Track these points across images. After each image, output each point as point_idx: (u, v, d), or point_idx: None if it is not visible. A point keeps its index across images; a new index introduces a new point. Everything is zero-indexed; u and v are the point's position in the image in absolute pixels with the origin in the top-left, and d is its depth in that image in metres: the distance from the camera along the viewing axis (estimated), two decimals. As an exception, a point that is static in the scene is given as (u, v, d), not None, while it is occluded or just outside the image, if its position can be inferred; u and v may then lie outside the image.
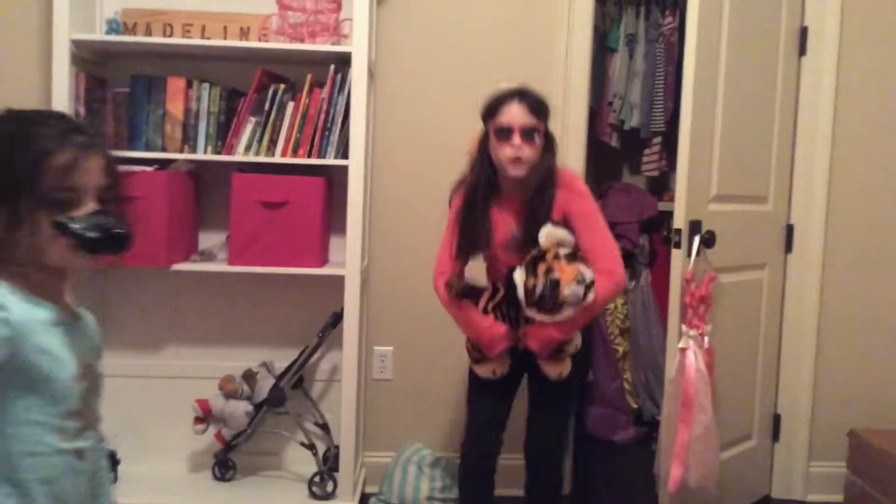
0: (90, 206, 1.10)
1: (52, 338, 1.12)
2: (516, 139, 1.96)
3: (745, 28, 2.51)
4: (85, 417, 1.22)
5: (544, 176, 2.00)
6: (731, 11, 2.44)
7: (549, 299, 1.87)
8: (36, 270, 1.12)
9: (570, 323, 1.97)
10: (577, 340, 2.13)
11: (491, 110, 2.02)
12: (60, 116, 1.17)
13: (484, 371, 2.14)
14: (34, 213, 1.07)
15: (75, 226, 1.08)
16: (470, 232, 2.05)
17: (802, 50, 2.77)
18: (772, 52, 2.66)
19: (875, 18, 2.77)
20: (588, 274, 1.90)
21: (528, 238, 1.97)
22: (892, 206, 2.82)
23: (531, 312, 1.95)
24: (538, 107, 2.00)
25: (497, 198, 2.07)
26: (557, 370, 2.09)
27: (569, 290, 1.86)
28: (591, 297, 1.90)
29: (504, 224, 2.06)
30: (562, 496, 2.27)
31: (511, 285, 1.94)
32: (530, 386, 2.21)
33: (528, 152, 1.97)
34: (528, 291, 1.90)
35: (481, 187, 2.04)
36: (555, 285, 1.85)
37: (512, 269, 1.96)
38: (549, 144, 2.03)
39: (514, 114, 1.98)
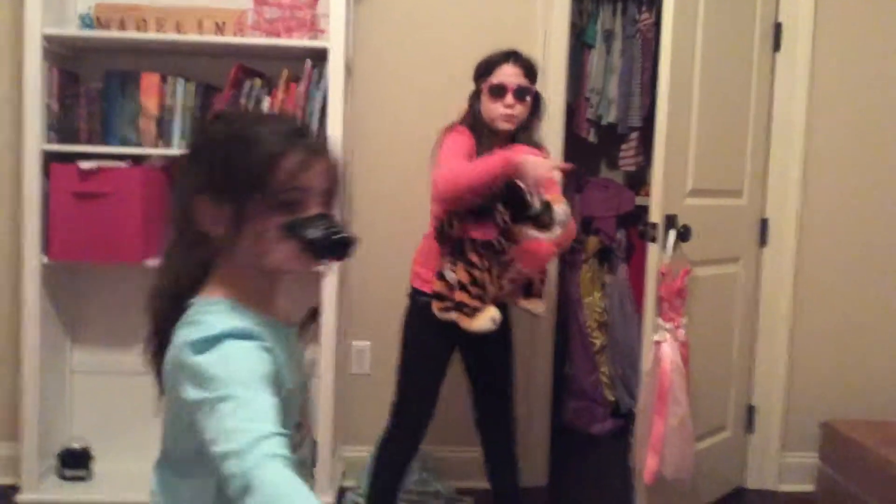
0: (316, 209, 1.05)
1: (280, 350, 1.06)
2: (509, 98, 2.06)
3: (721, 24, 2.54)
4: (304, 427, 1.17)
5: (532, 136, 2.15)
6: (706, 8, 2.46)
7: (546, 216, 1.94)
8: (254, 273, 1.07)
9: (556, 244, 2.06)
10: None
11: (485, 70, 2.11)
12: (284, 118, 1.13)
13: (482, 321, 2.01)
14: (261, 214, 1.02)
15: (303, 229, 1.02)
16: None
17: (777, 46, 2.80)
18: (746, 47, 2.69)
19: (848, 14, 2.80)
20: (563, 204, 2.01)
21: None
22: (866, 201, 2.86)
23: (525, 228, 1.97)
24: (530, 69, 2.11)
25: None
26: (538, 305, 2.16)
27: (560, 208, 1.96)
28: (568, 223, 2.02)
29: None
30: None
31: (515, 194, 1.93)
32: (470, 363, 2.24)
33: (520, 110, 2.07)
34: (529, 205, 1.93)
35: (478, 127, 2.11)
36: (548, 204, 1.94)
37: (512, 185, 1.94)
38: (536, 105, 2.14)
39: (508, 73, 2.07)
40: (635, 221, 3.68)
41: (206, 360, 0.94)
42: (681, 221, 2.45)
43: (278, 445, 0.86)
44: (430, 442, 2.78)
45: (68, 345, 2.70)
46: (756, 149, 2.79)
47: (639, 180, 3.93)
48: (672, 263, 2.41)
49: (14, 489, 2.50)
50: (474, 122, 2.12)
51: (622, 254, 3.67)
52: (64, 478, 2.56)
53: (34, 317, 2.42)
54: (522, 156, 1.91)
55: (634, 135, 3.63)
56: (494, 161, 1.91)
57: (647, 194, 2.85)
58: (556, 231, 1.95)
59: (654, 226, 2.42)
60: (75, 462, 2.56)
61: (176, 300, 1.06)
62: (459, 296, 2.00)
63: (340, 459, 2.76)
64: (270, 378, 0.96)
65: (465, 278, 2.01)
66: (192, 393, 0.93)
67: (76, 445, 2.56)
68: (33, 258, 2.40)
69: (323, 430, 2.50)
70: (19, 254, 2.45)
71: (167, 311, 1.06)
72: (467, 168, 1.96)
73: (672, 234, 2.42)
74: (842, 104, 2.83)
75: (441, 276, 2.05)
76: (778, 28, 2.79)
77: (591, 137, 3.67)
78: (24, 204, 2.39)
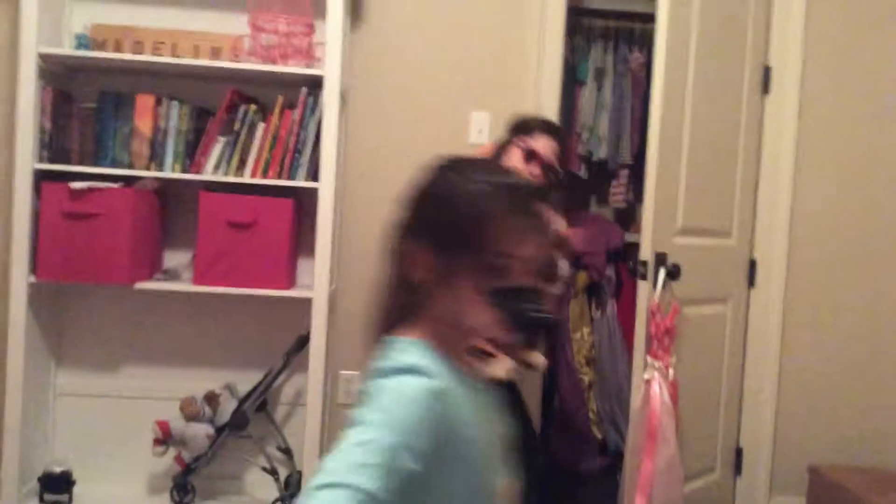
0: (525, 280, 0.99)
1: (464, 399, 1.01)
2: (535, 168, 2.13)
3: (711, 66, 2.57)
4: (510, 490, 1.09)
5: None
6: (697, 49, 2.50)
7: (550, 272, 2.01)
8: (450, 327, 1.02)
9: None
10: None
11: (523, 130, 2.19)
12: (518, 182, 1.05)
13: (497, 368, 2.05)
14: (469, 274, 0.98)
15: (510, 300, 0.98)
16: None
17: (766, 88, 2.84)
18: (736, 89, 2.72)
19: (836, 57, 2.85)
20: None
21: None
22: (852, 244, 2.89)
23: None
24: (562, 149, 2.20)
25: None
26: (538, 357, 2.15)
27: (561, 264, 2.04)
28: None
29: None
30: None
31: None
32: None
33: (538, 178, 2.12)
34: None
35: None
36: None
37: None
38: (555, 182, 2.18)
39: (544, 143, 2.16)
40: (624, 258, 3.68)
41: (375, 385, 0.93)
42: (671, 260, 2.46)
43: (344, 498, 0.80)
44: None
45: (52, 366, 2.66)
46: (745, 190, 2.81)
47: (628, 217, 3.95)
48: (662, 301, 2.42)
49: (-8, 513, 2.44)
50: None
51: (611, 290, 3.66)
52: (44, 502, 2.49)
53: (19, 337, 2.38)
54: None
55: (624, 172, 3.66)
56: None
57: (637, 231, 2.86)
58: (558, 287, 1.98)
59: (644, 263, 2.42)
60: (56, 486, 2.50)
61: (379, 334, 1.05)
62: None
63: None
64: (431, 425, 0.90)
65: None
66: (353, 411, 0.91)
67: (57, 469, 2.51)
68: (21, 277, 2.37)
69: (308, 460, 2.46)
70: (6, 272, 2.41)
71: (372, 344, 1.05)
72: None
73: (662, 273, 2.43)
74: (830, 147, 2.87)
75: None
76: (767, 71, 2.84)
77: (582, 173, 3.70)
78: (13, 222, 2.36)
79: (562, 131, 2.23)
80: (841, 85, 2.86)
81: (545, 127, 2.20)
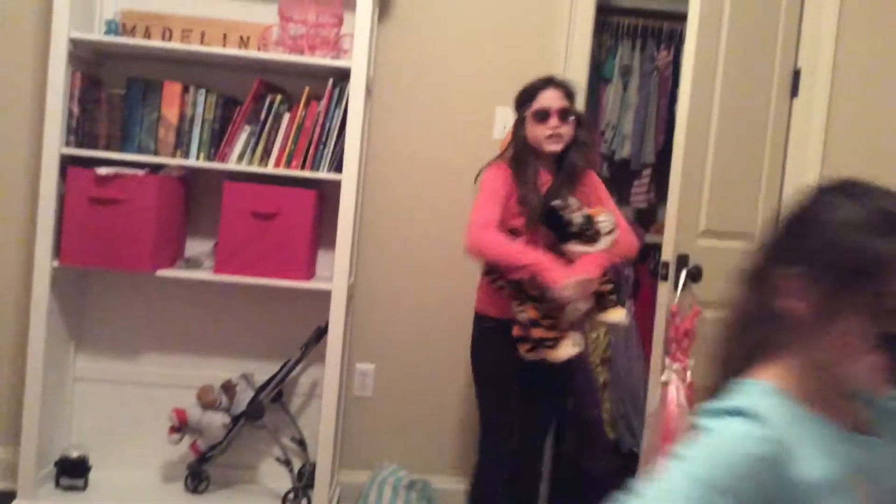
0: None
1: (824, 458, 0.89)
2: (554, 120, 2.14)
3: (740, 67, 2.55)
4: None
5: (578, 146, 2.19)
6: (727, 50, 2.47)
7: (589, 227, 2.04)
8: (818, 372, 0.92)
9: (607, 255, 2.09)
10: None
11: (527, 98, 2.19)
12: None
13: (564, 349, 2.08)
14: (858, 313, 0.88)
15: None
16: (525, 185, 2.15)
17: (794, 91, 2.81)
18: (765, 92, 2.70)
19: (866, 61, 2.81)
20: (606, 214, 2.08)
21: (563, 188, 2.15)
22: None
23: (572, 246, 2.06)
24: (569, 91, 2.20)
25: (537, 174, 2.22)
26: (618, 313, 2.19)
27: (603, 217, 2.05)
28: (617, 232, 2.08)
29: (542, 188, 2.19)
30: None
31: (554, 216, 2.06)
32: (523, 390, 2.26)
33: (566, 130, 2.15)
34: (569, 223, 2.04)
35: (524, 152, 2.19)
36: (589, 217, 2.05)
37: (550, 209, 2.07)
38: (586, 128, 2.24)
39: (550, 97, 2.16)
40: (643, 259, 3.67)
41: (704, 423, 0.87)
42: (693, 261, 2.44)
43: None
44: (430, 471, 2.77)
45: (72, 351, 2.68)
46: (770, 193, 2.78)
47: (649, 218, 3.93)
48: (682, 303, 2.40)
49: (10, 495, 2.46)
50: (520, 149, 2.19)
51: (629, 290, 3.65)
52: (60, 486, 2.52)
53: (41, 320, 2.40)
54: (551, 275, 1.97)
55: (647, 171, 3.64)
56: (523, 261, 2.00)
57: (658, 232, 2.85)
58: (605, 241, 2.03)
59: (665, 264, 2.41)
60: (72, 471, 2.52)
61: (729, 375, 0.97)
62: (536, 332, 2.06)
63: (338, 482, 2.73)
64: (753, 473, 0.83)
65: (534, 314, 2.06)
66: (679, 446, 0.86)
67: (74, 454, 2.53)
68: (44, 261, 2.39)
69: (322, 452, 2.47)
70: (31, 256, 2.43)
71: (717, 381, 0.98)
72: (496, 245, 2.05)
73: (683, 274, 2.41)
74: (857, 151, 2.83)
75: (515, 321, 2.10)
76: (797, 74, 2.81)
77: (604, 172, 3.68)
78: (39, 206, 2.38)
79: (558, 78, 2.24)
80: (870, 88, 2.82)
81: (545, 82, 2.20)
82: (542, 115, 2.15)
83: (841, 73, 2.80)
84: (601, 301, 2.15)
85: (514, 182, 2.15)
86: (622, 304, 3.54)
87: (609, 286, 2.16)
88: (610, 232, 2.05)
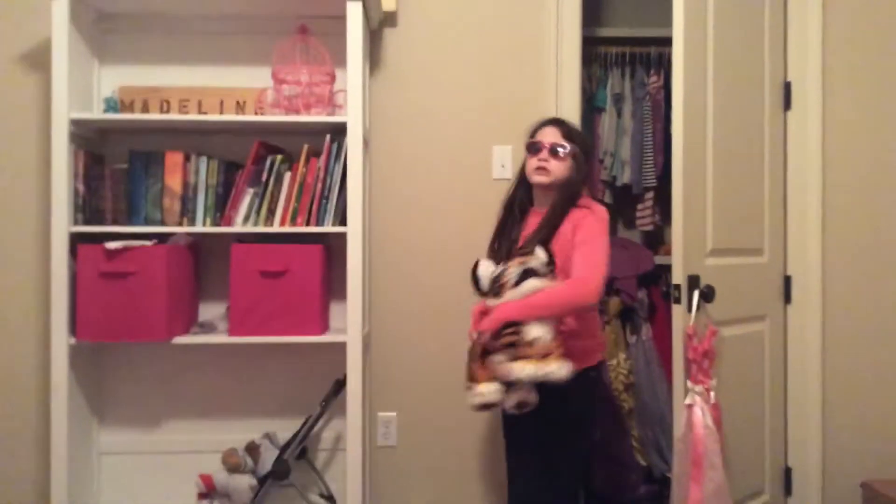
0: None
1: None
2: (543, 153, 2.18)
3: (731, 84, 2.57)
4: None
5: (569, 192, 2.16)
6: (715, 69, 2.50)
7: (497, 281, 2.03)
8: None
9: (519, 305, 1.96)
10: (532, 397, 1.98)
11: (530, 135, 2.26)
12: None
13: (470, 397, 1.98)
14: None
15: None
16: (504, 227, 2.25)
17: (787, 104, 2.83)
18: (757, 107, 2.72)
19: (856, 70, 2.83)
20: (533, 262, 2.00)
21: (539, 233, 2.12)
22: (887, 251, 2.84)
23: (488, 300, 2.06)
24: (569, 131, 2.22)
25: (529, 213, 2.26)
26: (513, 398, 1.97)
27: (512, 270, 2.00)
28: (531, 283, 1.97)
29: (530, 229, 2.21)
30: None
31: (472, 274, 2.10)
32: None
33: (553, 164, 2.17)
34: (476, 281, 2.09)
35: (518, 195, 2.27)
36: (500, 274, 2.03)
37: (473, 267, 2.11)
38: (577, 167, 2.20)
39: (545, 132, 2.22)
40: (655, 280, 3.66)
41: None
42: (703, 281, 2.43)
43: None
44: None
45: (95, 425, 2.69)
46: (773, 206, 2.79)
47: (656, 239, 3.93)
48: (698, 324, 2.39)
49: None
50: (516, 185, 2.29)
51: (644, 313, 3.63)
52: (90, 562, 2.51)
53: (62, 399, 2.41)
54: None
55: (649, 195, 3.65)
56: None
57: (667, 253, 2.85)
58: (509, 294, 1.98)
59: (677, 287, 2.41)
60: (102, 546, 2.51)
61: None
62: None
63: (368, 535, 2.70)
64: None
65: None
66: None
67: (102, 529, 2.52)
68: (61, 339, 2.41)
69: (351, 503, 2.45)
70: (47, 335, 2.46)
71: None
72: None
73: (696, 295, 2.40)
74: (855, 158, 2.84)
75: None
76: (787, 87, 2.83)
77: (607, 198, 3.70)
78: (52, 285, 2.41)
79: (560, 119, 2.29)
80: (863, 95, 2.84)
81: (544, 122, 2.26)
82: (533, 148, 2.21)
83: (832, 82, 2.82)
84: (514, 352, 1.93)
85: (496, 226, 2.26)
86: (639, 327, 3.58)
87: (513, 337, 1.92)
88: (518, 284, 1.97)
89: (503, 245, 2.22)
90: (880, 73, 2.84)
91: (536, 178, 2.19)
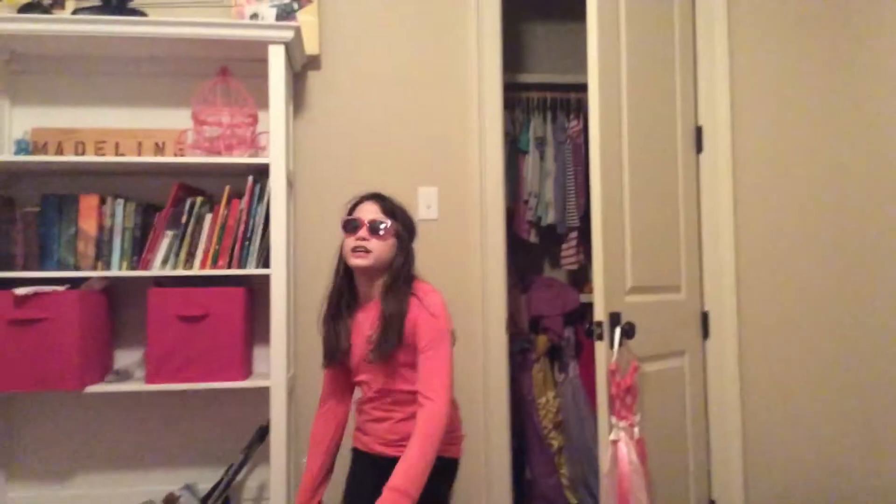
0: None
1: None
2: (363, 231, 1.99)
3: (645, 129, 2.67)
4: None
5: (396, 277, 2.00)
6: (630, 114, 2.59)
7: None
8: None
9: (412, 486, 1.78)
10: None
11: (347, 212, 2.08)
12: None
13: None
14: None
15: None
16: (332, 338, 2.07)
17: (699, 147, 2.95)
18: (671, 150, 2.82)
19: (765, 112, 2.98)
20: None
21: (385, 344, 1.94)
22: (799, 286, 2.96)
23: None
24: (392, 208, 2.05)
25: (357, 307, 2.08)
26: None
27: None
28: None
29: (361, 333, 2.03)
30: None
31: None
32: None
33: (374, 244, 1.98)
34: None
35: (340, 287, 2.07)
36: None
37: None
38: (402, 247, 2.04)
39: (365, 209, 2.04)
40: (581, 318, 3.72)
41: None
42: (624, 318, 2.48)
43: None
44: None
45: (3, 479, 2.54)
46: (689, 245, 2.88)
47: (582, 277, 4.00)
48: (620, 360, 2.43)
49: None
50: (340, 268, 2.08)
51: (571, 351, 3.68)
52: None
53: (-38, 455, 2.28)
54: None
55: (573, 234, 3.73)
56: None
57: (591, 291, 2.89)
58: None
59: (599, 324, 2.45)
60: None
61: None
62: None
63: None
64: None
65: None
66: None
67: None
68: (-38, 391, 2.29)
69: (274, 557, 2.37)
70: (-53, 388, 2.33)
71: None
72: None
73: (617, 332, 2.45)
74: (767, 196, 2.97)
75: None
76: (699, 131, 2.95)
77: (533, 238, 3.76)
78: (-47, 335, 2.29)
79: (381, 195, 2.08)
80: (771, 138, 2.99)
81: (361, 198, 2.08)
82: (350, 226, 2.02)
83: (740, 125, 2.96)
84: None
85: (321, 333, 2.09)
86: (567, 365, 3.62)
87: None
88: None
89: (333, 352, 2.07)
90: (787, 115, 3.00)
91: (355, 261, 1.98)
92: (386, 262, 2.01)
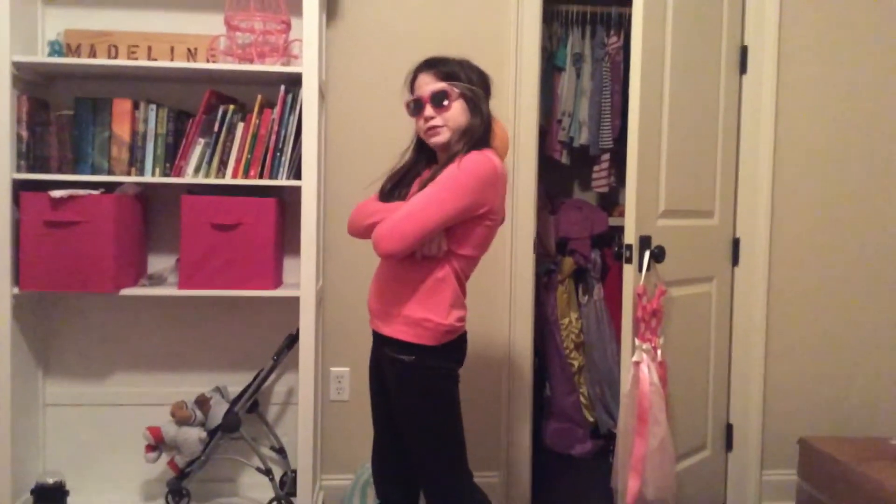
0: None
1: None
2: (428, 109, 1.86)
3: (688, 47, 2.58)
4: None
5: (469, 139, 1.84)
6: (673, 31, 2.51)
7: None
8: None
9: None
10: None
11: (409, 90, 1.94)
12: None
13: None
14: None
15: None
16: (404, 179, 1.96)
17: (743, 68, 2.86)
18: (714, 70, 2.74)
19: (811, 36, 2.87)
20: None
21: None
22: (834, 219, 2.92)
23: None
24: (446, 70, 1.87)
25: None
26: None
27: None
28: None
29: None
30: None
31: None
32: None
33: (447, 116, 1.85)
34: None
35: (407, 168, 1.98)
36: None
37: None
38: (475, 108, 1.86)
39: (422, 83, 1.89)
40: (609, 242, 3.71)
41: None
42: (655, 242, 2.47)
43: None
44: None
45: (40, 377, 2.64)
46: (725, 170, 2.83)
47: (611, 201, 3.97)
48: (647, 284, 2.43)
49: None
50: (414, 149, 2.01)
51: (597, 274, 3.68)
52: (38, 513, 2.49)
53: (5, 349, 2.36)
54: None
55: (606, 156, 3.67)
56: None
57: (621, 215, 2.88)
58: None
59: (629, 247, 2.44)
60: (50, 497, 2.48)
61: None
62: None
63: (321, 488, 2.72)
64: None
65: None
66: None
67: (50, 480, 2.49)
68: (4, 289, 2.35)
69: (302, 459, 2.46)
70: (-12, 285, 2.40)
71: None
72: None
73: (647, 255, 2.44)
74: (808, 124, 2.89)
75: None
76: (744, 51, 2.85)
77: (564, 159, 3.71)
78: (-7, 234, 2.34)
79: (434, 59, 1.91)
80: (816, 62, 2.88)
81: (415, 69, 1.92)
82: (415, 108, 1.89)
83: (787, 48, 2.85)
84: None
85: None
86: (592, 288, 3.63)
87: None
88: None
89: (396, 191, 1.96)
90: (836, 39, 2.88)
91: (433, 140, 1.88)
92: (463, 127, 1.85)
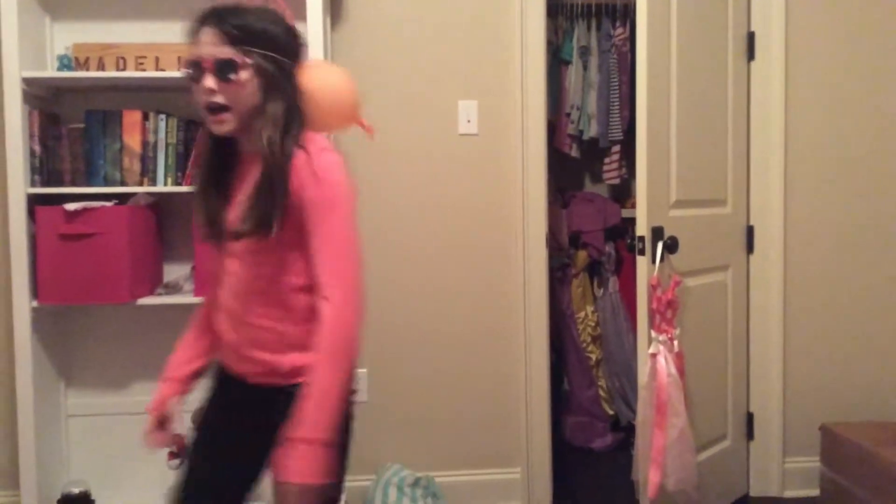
0: None
1: None
2: (208, 79, 1.32)
3: (694, 36, 2.57)
4: None
5: (280, 128, 1.34)
6: (679, 20, 2.49)
7: None
8: None
9: (322, 428, 1.31)
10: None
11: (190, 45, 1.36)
12: None
13: None
14: None
15: None
16: (207, 212, 1.44)
17: (751, 55, 2.84)
18: (721, 58, 2.72)
19: (819, 21, 2.84)
20: None
21: (258, 219, 1.32)
22: (847, 202, 2.89)
23: None
24: (240, 27, 1.33)
25: (239, 168, 1.44)
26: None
27: None
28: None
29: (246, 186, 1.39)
30: None
31: None
32: None
33: (228, 96, 1.33)
34: None
35: (209, 163, 1.46)
36: None
37: None
38: (276, 86, 1.35)
39: (204, 40, 1.33)
40: (622, 234, 3.70)
41: None
42: (667, 233, 2.46)
43: None
44: (433, 467, 2.79)
45: (62, 388, 2.67)
46: (737, 157, 2.81)
47: (623, 193, 3.96)
48: (661, 275, 2.42)
49: (14, 538, 2.46)
50: (203, 136, 1.49)
51: (611, 267, 3.68)
52: (65, 524, 2.52)
53: (26, 362, 2.40)
54: None
55: (616, 148, 3.66)
56: None
57: (633, 206, 2.86)
58: None
59: (641, 238, 2.43)
60: (75, 507, 2.52)
61: None
62: None
63: (343, 490, 2.73)
64: None
65: None
66: None
67: (75, 490, 2.53)
68: (23, 303, 2.38)
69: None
70: (9, 299, 2.43)
71: None
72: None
73: (660, 246, 2.43)
74: (817, 109, 2.87)
75: None
76: (751, 37, 2.83)
77: (574, 152, 3.70)
78: (11, 249, 2.37)
79: (225, 8, 1.35)
80: (824, 46, 2.86)
81: (201, 17, 1.35)
82: (194, 70, 1.34)
83: (795, 33, 2.83)
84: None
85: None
86: (607, 280, 3.62)
87: None
88: None
89: (211, 203, 1.44)
90: (843, 22, 2.85)
91: (216, 130, 1.36)
92: (254, 111, 1.35)
